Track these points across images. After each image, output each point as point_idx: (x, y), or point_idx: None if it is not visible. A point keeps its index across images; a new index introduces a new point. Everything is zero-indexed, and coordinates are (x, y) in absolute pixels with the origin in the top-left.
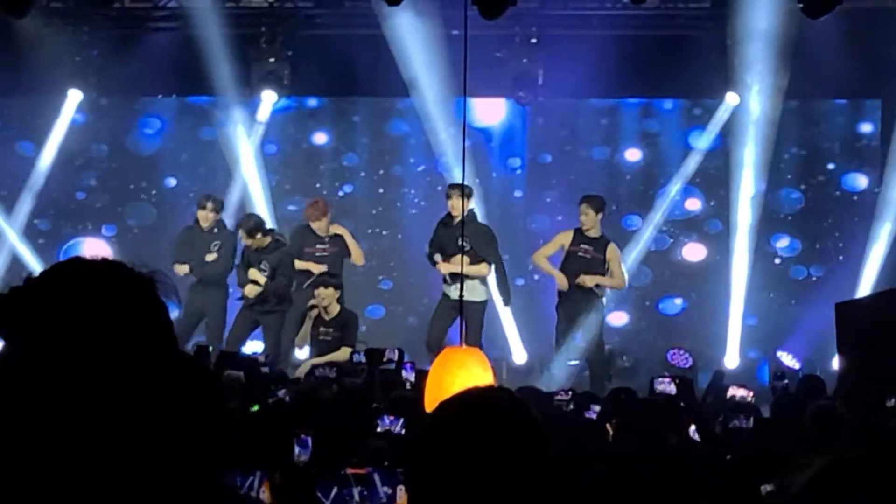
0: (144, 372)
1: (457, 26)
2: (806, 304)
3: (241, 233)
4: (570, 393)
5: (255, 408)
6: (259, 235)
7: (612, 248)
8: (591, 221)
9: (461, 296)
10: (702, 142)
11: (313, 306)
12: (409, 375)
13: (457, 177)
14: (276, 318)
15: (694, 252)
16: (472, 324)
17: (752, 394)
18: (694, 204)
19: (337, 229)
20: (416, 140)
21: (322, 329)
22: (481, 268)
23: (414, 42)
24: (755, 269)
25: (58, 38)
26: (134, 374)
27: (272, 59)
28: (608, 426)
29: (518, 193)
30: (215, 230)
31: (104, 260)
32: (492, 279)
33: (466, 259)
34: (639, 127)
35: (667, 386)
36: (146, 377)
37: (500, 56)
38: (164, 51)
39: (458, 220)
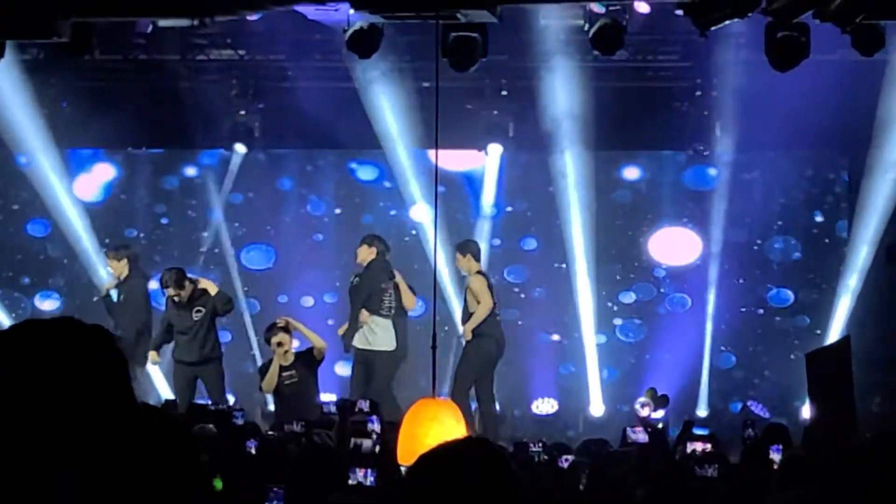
0: (112, 425)
1: (428, 79)
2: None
3: (170, 290)
4: (541, 443)
5: (218, 484)
6: (187, 284)
7: (471, 282)
8: (463, 267)
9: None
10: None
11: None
12: (375, 427)
13: (428, 224)
14: (215, 368)
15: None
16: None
17: (710, 446)
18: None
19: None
20: (387, 188)
21: (285, 374)
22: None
23: (385, 94)
24: (736, 318)
25: (25, 91)
26: (102, 428)
27: (243, 112)
28: (581, 477)
29: (496, 241)
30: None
31: (59, 318)
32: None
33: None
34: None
35: (639, 435)
36: (114, 430)
37: (471, 107)
38: (135, 103)
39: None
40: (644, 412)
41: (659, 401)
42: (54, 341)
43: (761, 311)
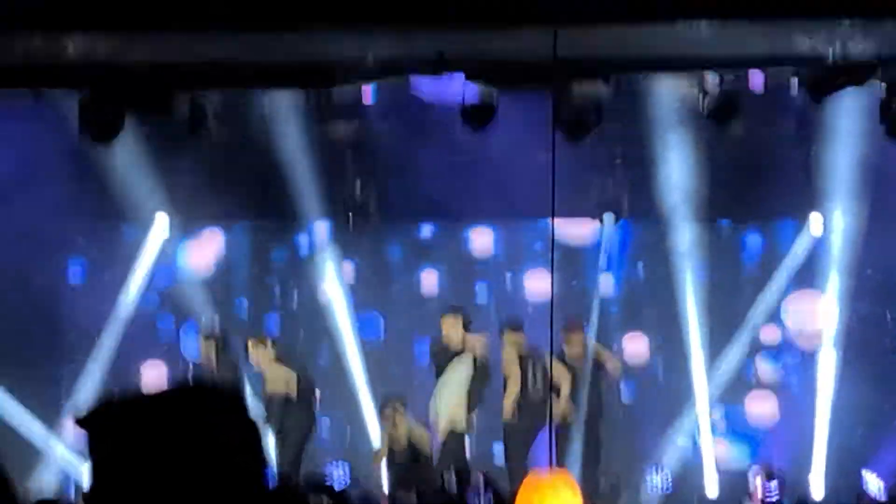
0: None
1: (544, 149)
2: None
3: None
4: None
5: None
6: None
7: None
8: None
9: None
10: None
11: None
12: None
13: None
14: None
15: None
16: None
17: None
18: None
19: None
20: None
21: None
22: None
23: (500, 166)
24: None
25: (146, 166)
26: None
27: (358, 184)
28: None
29: (614, 309)
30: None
31: (217, 386)
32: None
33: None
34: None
35: None
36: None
37: (586, 178)
38: (252, 176)
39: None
40: (759, 493)
41: (770, 477)
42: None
43: None
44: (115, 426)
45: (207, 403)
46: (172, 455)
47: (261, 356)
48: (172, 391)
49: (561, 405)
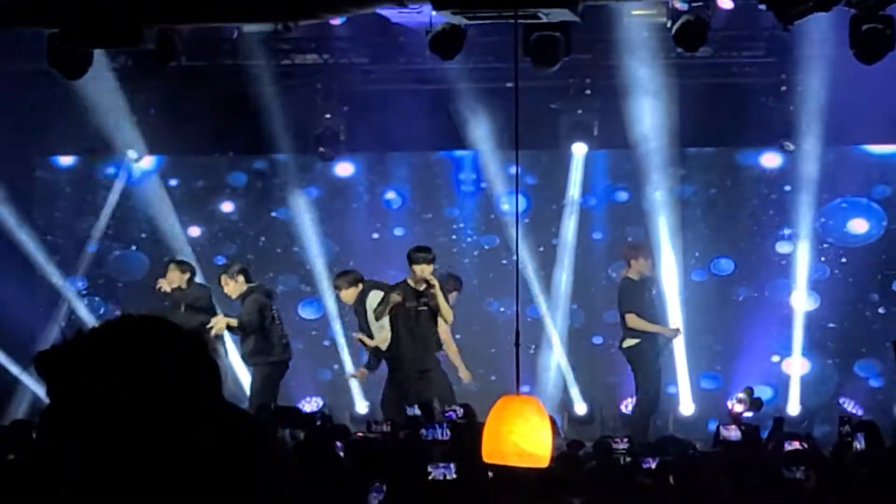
0: (191, 428)
1: (510, 79)
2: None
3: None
4: (627, 440)
5: None
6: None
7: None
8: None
9: None
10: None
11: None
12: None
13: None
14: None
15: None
16: None
17: (806, 445)
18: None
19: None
20: (472, 189)
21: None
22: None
23: (468, 95)
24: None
25: (115, 99)
26: (181, 431)
27: (328, 115)
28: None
29: (597, 236)
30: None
31: (152, 317)
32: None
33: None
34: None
35: (732, 433)
36: (193, 433)
37: (555, 107)
38: (219, 109)
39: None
40: (738, 408)
41: (753, 403)
42: (143, 344)
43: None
44: (61, 367)
45: (149, 335)
46: (115, 385)
47: (233, 289)
48: (115, 326)
49: None
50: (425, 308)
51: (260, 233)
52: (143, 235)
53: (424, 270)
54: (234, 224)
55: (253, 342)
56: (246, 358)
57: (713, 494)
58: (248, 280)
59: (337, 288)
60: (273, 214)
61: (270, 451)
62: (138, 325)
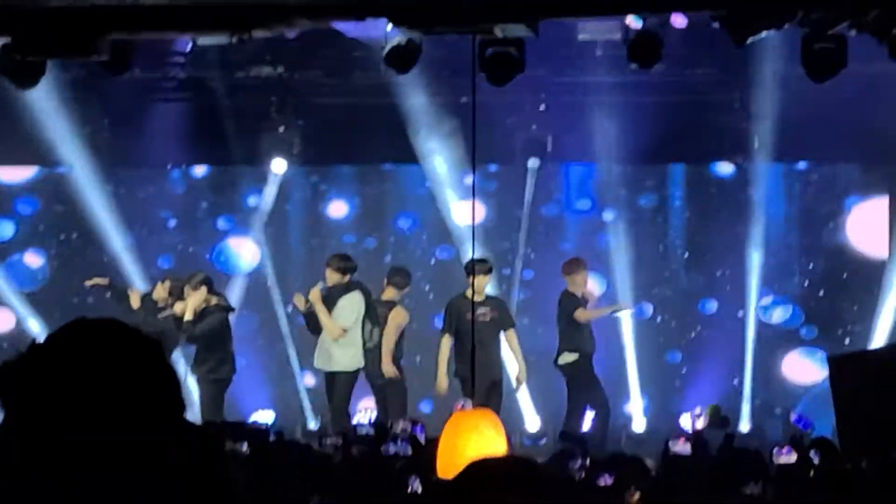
0: (148, 438)
1: (466, 93)
2: None
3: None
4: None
5: None
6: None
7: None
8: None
9: None
10: None
11: None
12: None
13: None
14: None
15: None
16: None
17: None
18: None
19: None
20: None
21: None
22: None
23: (423, 110)
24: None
25: (67, 110)
26: (137, 440)
27: (282, 128)
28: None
29: (561, 247)
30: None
31: (109, 321)
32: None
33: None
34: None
35: (683, 447)
36: (149, 444)
37: (510, 123)
38: (174, 121)
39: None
40: (699, 423)
41: (718, 422)
42: (100, 350)
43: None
44: (13, 381)
45: (98, 340)
46: (75, 396)
47: (194, 300)
48: (72, 332)
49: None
50: (488, 319)
51: (205, 244)
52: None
53: (482, 282)
54: (176, 233)
55: (204, 356)
56: (194, 370)
57: None
58: (210, 292)
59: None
60: (219, 226)
61: (227, 468)
62: (96, 331)
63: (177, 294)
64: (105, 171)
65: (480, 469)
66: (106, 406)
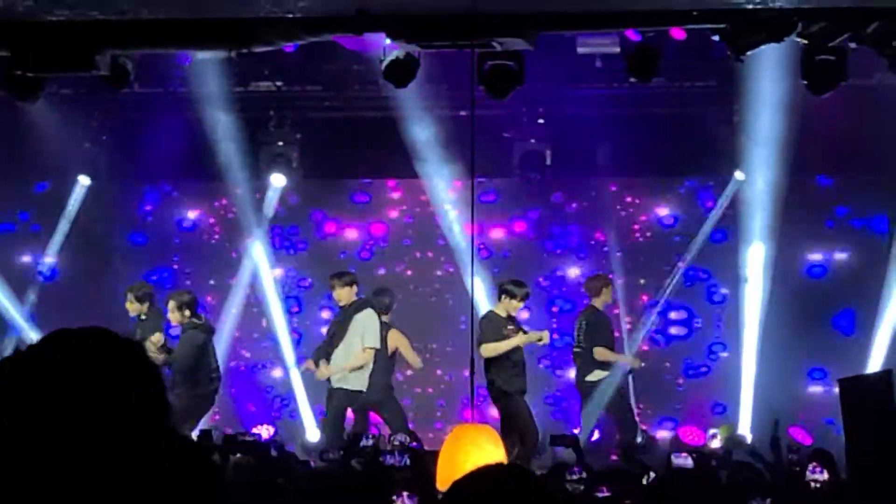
0: (138, 446)
1: (464, 107)
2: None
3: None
4: (580, 470)
5: None
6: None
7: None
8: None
9: None
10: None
11: None
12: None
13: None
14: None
15: None
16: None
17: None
18: None
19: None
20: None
21: None
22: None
23: (422, 123)
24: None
25: (67, 124)
26: (127, 449)
27: (281, 143)
28: None
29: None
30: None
31: (94, 329)
32: None
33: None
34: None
35: (685, 461)
36: (140, 452)
37: (508, 136)
38: (174, 135)
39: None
40: (711, 443)
41: (732, 441)
42: (86, 357)
43: None
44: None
45: (81, 346)
46: (60, 403)
47: (177, 318)
48: (55, 341)
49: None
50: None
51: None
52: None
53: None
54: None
55: (179, 374)
56: (171, 388)
57: None
58: (192, 314)
59: (332, 287)
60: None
61: (214, 481)
62: (80, 339)
63: (147, 301)
64: (104, 184)
65: (476, 479)
66: (89, 411)
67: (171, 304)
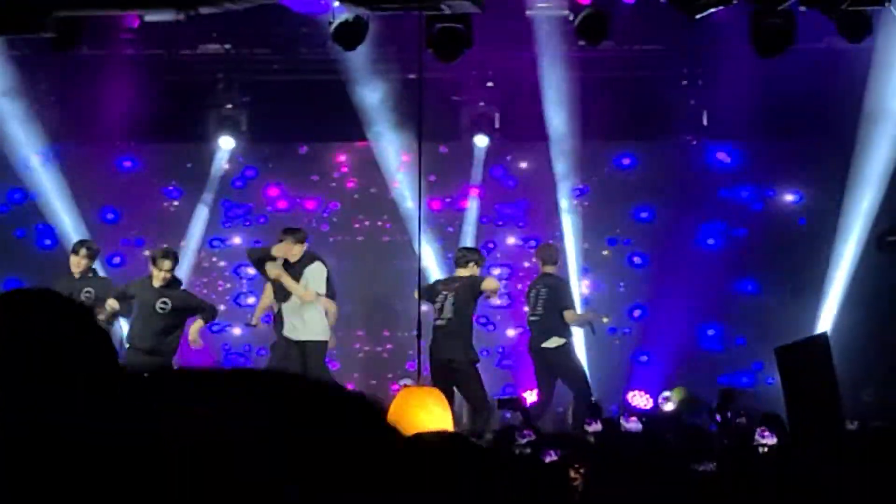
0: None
1: (413, 70)
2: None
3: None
4: (530, 433)
5: None
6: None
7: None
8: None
9: None
10: None
11: None
12: None
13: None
14: None
15: None
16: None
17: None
18: None
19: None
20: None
21: None
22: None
23: (370, 87)
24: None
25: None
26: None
27: (229, 105)
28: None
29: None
30: (89, 276)
31: (40, 290)
32: None
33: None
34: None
35: (633, 425)
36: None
37: (457, 99)
38: (121, 98)
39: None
40: (665, 407)
41: (687, 404)
42: (31, 317)
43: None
44: None
45: (37, 307)
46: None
47: (159, 275)
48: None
49: None
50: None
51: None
52: None
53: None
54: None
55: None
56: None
57: (617, 486)
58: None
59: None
60: (166, 204)
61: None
62: (26, 299)
63: (94, 259)
64: (51, 147)
65: (415, 446)
66: (36, 374)
67: (85, 252)
